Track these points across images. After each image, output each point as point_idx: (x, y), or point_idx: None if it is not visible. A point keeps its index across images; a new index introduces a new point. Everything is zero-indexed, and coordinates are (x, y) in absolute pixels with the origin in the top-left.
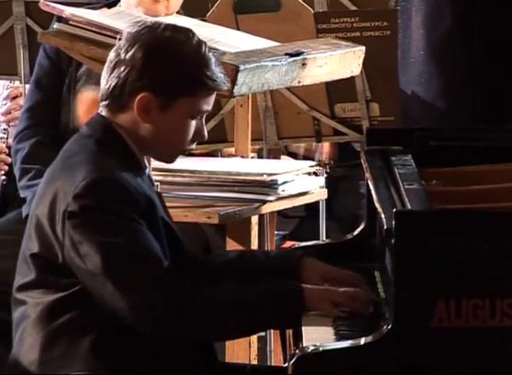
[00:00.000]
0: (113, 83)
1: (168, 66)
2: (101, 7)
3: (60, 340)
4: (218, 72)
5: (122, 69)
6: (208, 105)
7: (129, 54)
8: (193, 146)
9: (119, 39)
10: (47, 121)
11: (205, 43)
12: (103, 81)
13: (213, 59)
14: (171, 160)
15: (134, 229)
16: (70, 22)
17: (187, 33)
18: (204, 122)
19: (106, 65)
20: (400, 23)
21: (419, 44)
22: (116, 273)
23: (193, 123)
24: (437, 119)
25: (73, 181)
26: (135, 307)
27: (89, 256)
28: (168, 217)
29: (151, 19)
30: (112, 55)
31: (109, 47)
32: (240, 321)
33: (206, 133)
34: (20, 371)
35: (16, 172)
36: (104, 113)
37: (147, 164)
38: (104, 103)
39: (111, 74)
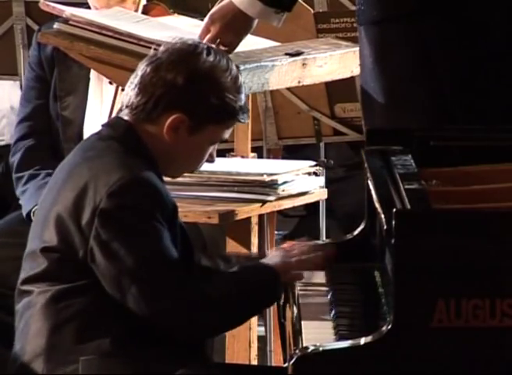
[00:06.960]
0: (148, 97)
1: (208, 94)
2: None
3: (70, 325)
4: (246, 104)
5: (161, 85)
6: (228, 134)
7: (171, 75)
8: (201, 168)
9: (155, 49)
10: (37, 130)
11: (239, 69)
12: (134, 89)
13: (245, 90)
14: (176, 176)
15: (162, 233)
16: (70, 22)
17: (227, 60)
18: (216, 146)
19: (139, 74)
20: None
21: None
22: (144, 276)
23: (211, 148)
24: None
25: (107, 180)
26: (160, 313)
27: (117, 257)
28: None
29: (187, 35)
30: (148, 67)
31: (109, 47)
32: (244, 307)
33: (216, 157)
34: (25, 360)
35: (14, 182)
36: (127, 118)
37: None
38: (131, 111)
39: (146, 86)
